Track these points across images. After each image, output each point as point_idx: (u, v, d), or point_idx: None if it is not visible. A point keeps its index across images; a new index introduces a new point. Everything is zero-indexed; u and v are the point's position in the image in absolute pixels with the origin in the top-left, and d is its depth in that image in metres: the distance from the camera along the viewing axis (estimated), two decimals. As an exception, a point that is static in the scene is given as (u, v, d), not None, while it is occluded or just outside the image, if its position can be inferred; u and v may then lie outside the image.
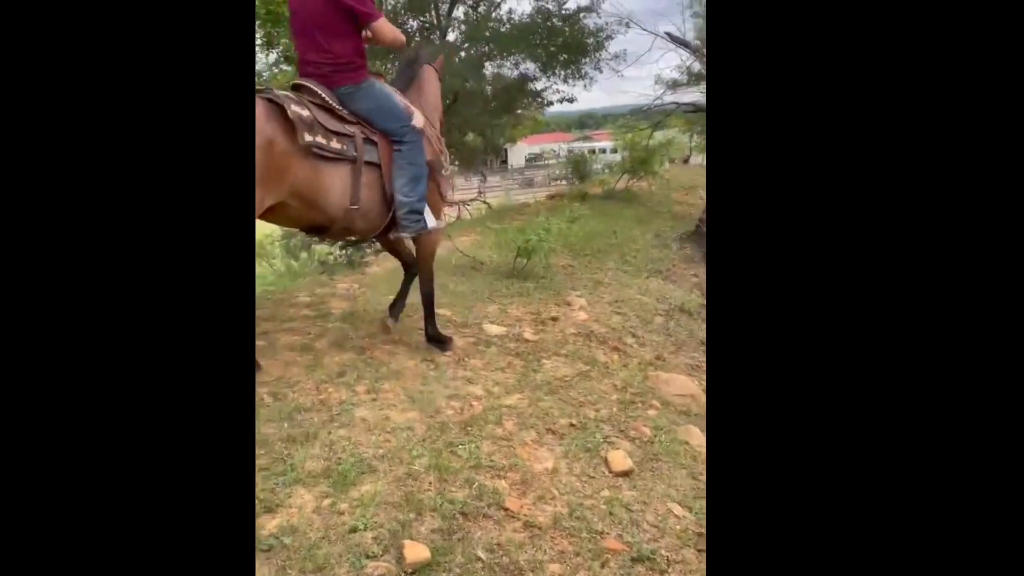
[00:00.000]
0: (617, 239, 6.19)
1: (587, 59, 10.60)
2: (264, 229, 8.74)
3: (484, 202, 10.30)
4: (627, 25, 10.10)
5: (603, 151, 18.61)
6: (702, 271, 6.03)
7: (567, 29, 10.32)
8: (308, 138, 2.36)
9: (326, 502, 1.81)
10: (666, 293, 4.76)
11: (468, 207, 10.18)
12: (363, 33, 2.66)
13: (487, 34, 10.19)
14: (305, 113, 2.38)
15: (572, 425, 2.45)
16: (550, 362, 3.04)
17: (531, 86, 11.15)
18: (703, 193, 8.97)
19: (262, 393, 2.45)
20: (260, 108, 2.28)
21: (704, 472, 2.28)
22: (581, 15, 10.48)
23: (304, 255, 9.13)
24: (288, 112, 2.31)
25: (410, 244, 3.25)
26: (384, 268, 4.99)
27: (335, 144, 2.47)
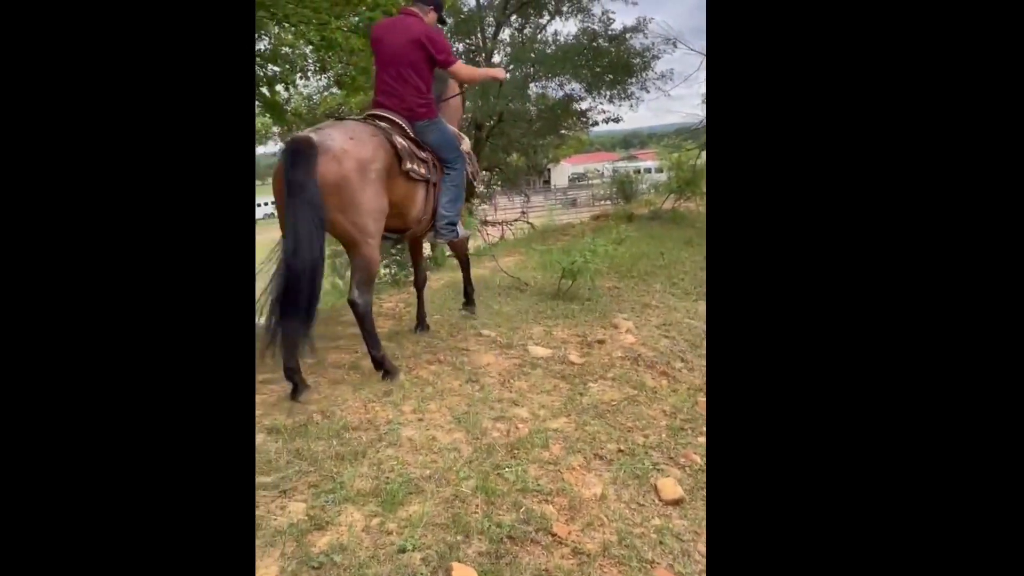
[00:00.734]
0: (664, 261, 6.11)
1: (633, 79, 10.61)
2: (313, 247, 8.94)
3: (527, 222, 10.34)
4: (674, 45, 10.07)
5: (648, 171, 18.48)
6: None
7: (613, 50, 10.37)
8: (408, 165, 2.89)
9: (375, 521, 1.81)
10: (714, 316, 4.67)
11: (511, 227, 10.23)
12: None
13: (532, 55, 10.31)
14: (405, 144, 2.90)
15: (620, 451, 2.41)
16: (597, 385, 3.00)
17: (576, 106, 11.20)
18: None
19: (311, 411, 2.49)
20: (376, 139, 2.77)
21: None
22: (627, 35, 10.51)
23: (348, 275, 9.29)
24: (396, 144, 2.83)
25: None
26: (429, 288, 5.04)
27: (422, 170, 3.00)
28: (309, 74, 6.88)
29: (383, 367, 2.88)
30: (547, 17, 11.40)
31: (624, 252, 5.38)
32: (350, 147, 2.61)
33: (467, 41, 11.30)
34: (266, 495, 1.90)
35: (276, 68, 6.11)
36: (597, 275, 4.74)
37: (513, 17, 11.24)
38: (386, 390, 2.73)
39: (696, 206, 9.38)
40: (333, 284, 9.29)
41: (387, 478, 2.04)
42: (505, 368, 3.12)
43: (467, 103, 3.71)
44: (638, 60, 10.42)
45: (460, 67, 3.18)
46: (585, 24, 10.81)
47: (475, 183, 3.54)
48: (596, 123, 11.59)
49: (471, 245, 4.19)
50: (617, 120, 11.49)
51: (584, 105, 11.26)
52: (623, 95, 10.77)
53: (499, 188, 12.88)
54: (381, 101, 3.07)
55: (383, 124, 2.90)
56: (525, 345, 3.45)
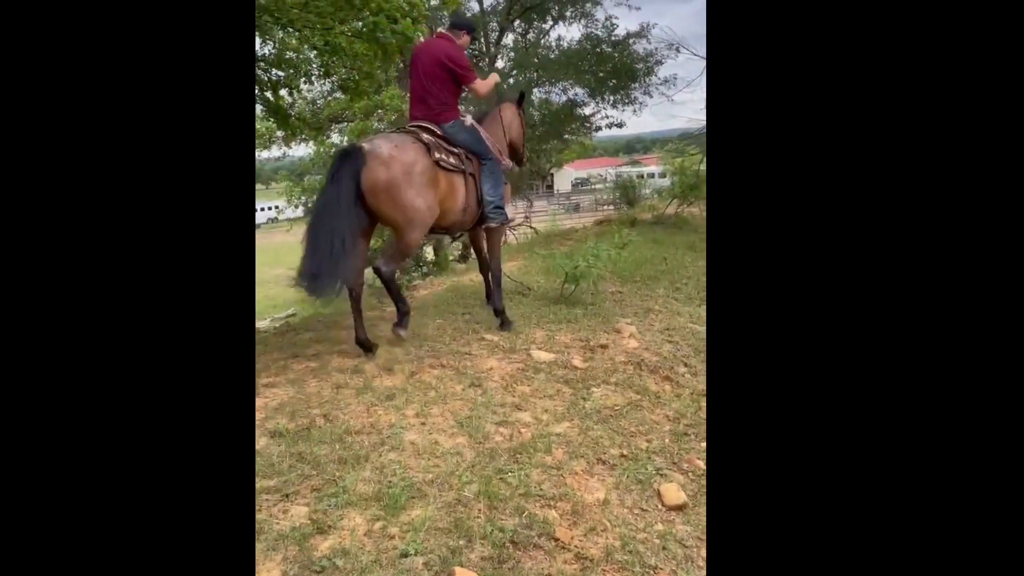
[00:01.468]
0: (667, 266, 6.10)
1: (636, 84, 10.62)
2: (317, 251, 8.97)
3: (531, 227, 10.34)
4: (677, 50, 10.08)
5: (652, 176, 18.49)
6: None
7: (616, 55, 10.38)
8: (436, 155, 3.35)
9: (377, 525, 1.81)
10: (718, 321, 4.65)
11: (514, 232, 10.23)
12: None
13: (535, 60, 10.33)
14: (432, 139, 3.40)
15: (623, 456, 2.40)
16: (599, 390, 2.99)
17: (579, 111, 11.21)
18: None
19: (314, 415, 2.49)
20: (416, 145, 3.30)
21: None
22: (631, 41, 10.53)
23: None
24: (425, 141, 3.35)
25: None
26: (432, 292, 5.05)
27: (452, 159, 3.47)
28: (313, 78, 6.89)
29: (402, 322, 3.45)
30: (550, 22, 11.44)
31: (627, 257, 5.37)
32: (396, 153, 3.17)
33: (471, 47, 11.34)
34: (268, 499, 1.90)
35: (280, 72, 6.13)
36: (600, 280, 4.73)
37: (516, 22, 11.27)
38: (388, 394, 2.73)
39: (699, 211, 9.37)
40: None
41: (389, 482, 2.03)
42: (508, 372, 3.11)
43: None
44: (641, 65, 10.43)
45: (477, 84, 3.70)
46: (588, 29, 10.84)
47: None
48: (599, 128, 11.61)
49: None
50: (620, 125, 11.50)
51: (587, 110, 11.28)
52: (626, 100, 10.78)
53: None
54: (413, 112, 3.66)
55: (414, 128, 3.46)
56: (528, 349, 3.45)
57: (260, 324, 7.45)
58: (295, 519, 1.81)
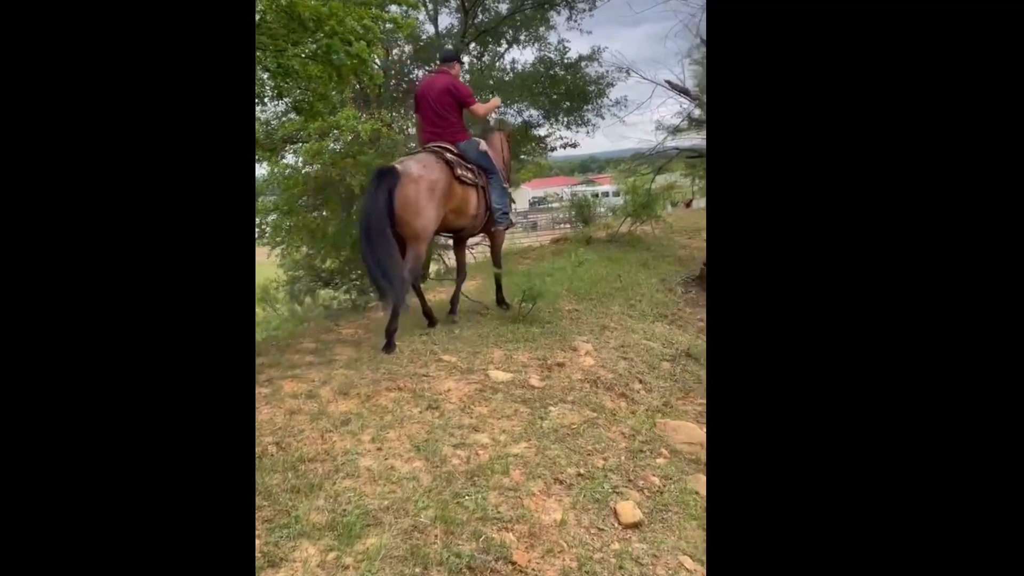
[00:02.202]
0: (622, 283, 6.20)
1: (589, 106, 10.82)
2: (267, 274, 8.80)
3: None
4: (627, 73, 10.33)
5: (607, 195, 18.80)
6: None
7: (569, 77, 10.57)
8: (459, 172, 4.06)
9: (331, 556, 1.77)
10: (672, 338, 4.74)
11: (472, 251, 10.25)
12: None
13: (491, 82, 10.44)
14: (453, 158, 4.08)
15: (580, 475, 2.42)
16: (557, 409, 3.01)
17: (534, 132, 11.35)
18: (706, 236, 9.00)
19: (266, 443, 2.43)
20: (441, 163, 3.99)
21: (715, 524, 2.24)
22: (582, 64, 10.75)
23: (308, 300, 9.14)
24: (448, 160, 4.05)
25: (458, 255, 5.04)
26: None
27: (469, 175, 4.15)
28: (266, 100, 6.81)
29: (430, 320, 4.26)
30: (505, 45, 11.59)
31: (583, 275, 5.44)
32: (424, 173, 3.83)
33: (426, 68, 11.39)
34: (217, 532, 1.85)
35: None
36: (557, 298, 4.78)
37: (472, 45, 11.39)
38: (343, 419, 2.69)
39: (651, 229, 9.56)
40: (292, 311, 9.12)
41: (344, 510, 2.00)
42: (466, 393, 3.11)
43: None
44: (593, 88, 10.65)
45: (477, 106, 4.39)
46: (542, 53, 11.01)
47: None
48: (554, 148, 11.76)
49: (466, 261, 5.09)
50: (575, 146, 11.67)
51: (542, 131, 11.42)
52: (580, 121, 10.96)
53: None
54: (428, 135, 4.28)
55: (436, 149, 4.08)
56: (486, 370, 3.45)
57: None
58: (245, 552, 1.76)
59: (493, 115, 5.17)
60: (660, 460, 2.66)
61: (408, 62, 11.00)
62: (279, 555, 1.75)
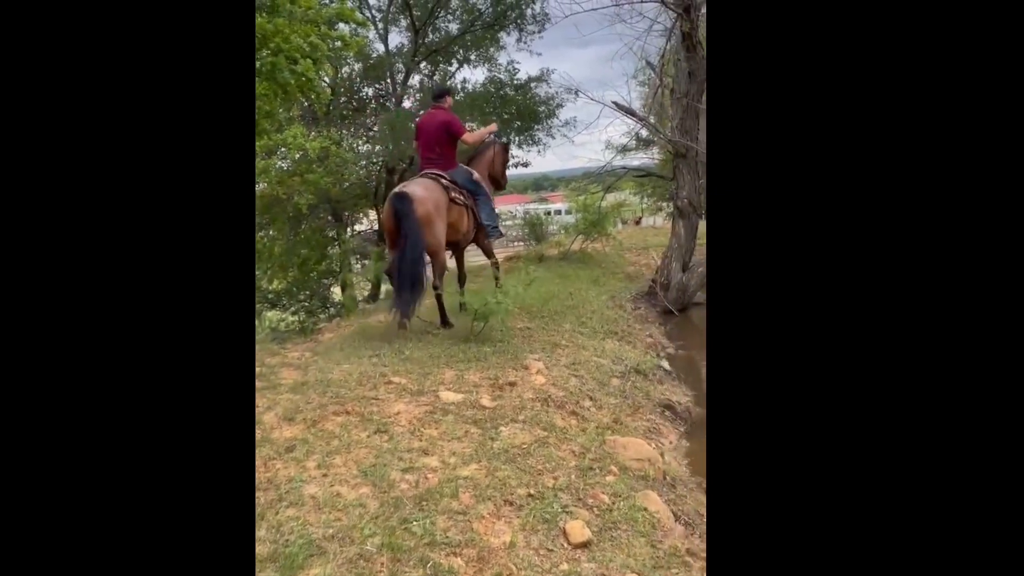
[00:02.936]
0: (573, 300, 6.26)
1: (539, 126, 10.99)
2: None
3: (441, 264, 10.34)
4: (576, 94, 10.53)
5: (559, 212, 19.01)
6: (656, 331, 6.12)
7: (519, 97, 10.72)
8: (453, 194, 4.83)
9: (271, 590, 1.71)
10: (622, 354, 4.80)
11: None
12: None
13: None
14: (448, 183, 4.85)
15: (530, 495, 2.41)
16: (508, 429, 3.00)
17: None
18: (655, 254, 9.21)
19: (206, 472, 2.34)
20: (439, 186, 4.77)
21: (663, 540, 2.26)
22: (532, 84, 10.92)
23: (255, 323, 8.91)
24: (444, 184, 4.83)
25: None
26: (338, 335, 4.92)
27: (460, 197, 4.90)
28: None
29: (445, 323, 4.88)
30: (456, 65, 11.69)
31: (534, 293, 5.47)
32: (428, 194, 4.57)
33: (376, 86, 11.37)
34: (150, 570, 1.76)
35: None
36: (508, 316, 4.78)
37: (423, 64, 11.43)
38: (288, 446, 2.62)
39: (602, 246, 9.71)
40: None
41: (287, 540, 1.94)
42: (416, 416, 3.07)
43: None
44: (543, 108, 10.83)
45: (467, 136, 5.12)
46: (492, 73, 11.16)
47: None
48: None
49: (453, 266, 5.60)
50: (526, 165, 11.84)
51: (493, 151, 11.52)
52: (531, 141, 11.13)
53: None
54: (425, 163, 4.99)
55: (433, 175, 4.84)
56: (437, 391, 3.41)
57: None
58: (180, 590, 1.69)
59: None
60: (610, 478, 2.67)
61: (358, 80, 10.95)
62: (216, 591, 1.68)
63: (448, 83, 11.35)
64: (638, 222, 19.22)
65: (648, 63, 8.93)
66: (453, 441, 2.82)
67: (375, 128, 10.60)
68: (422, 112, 10.84)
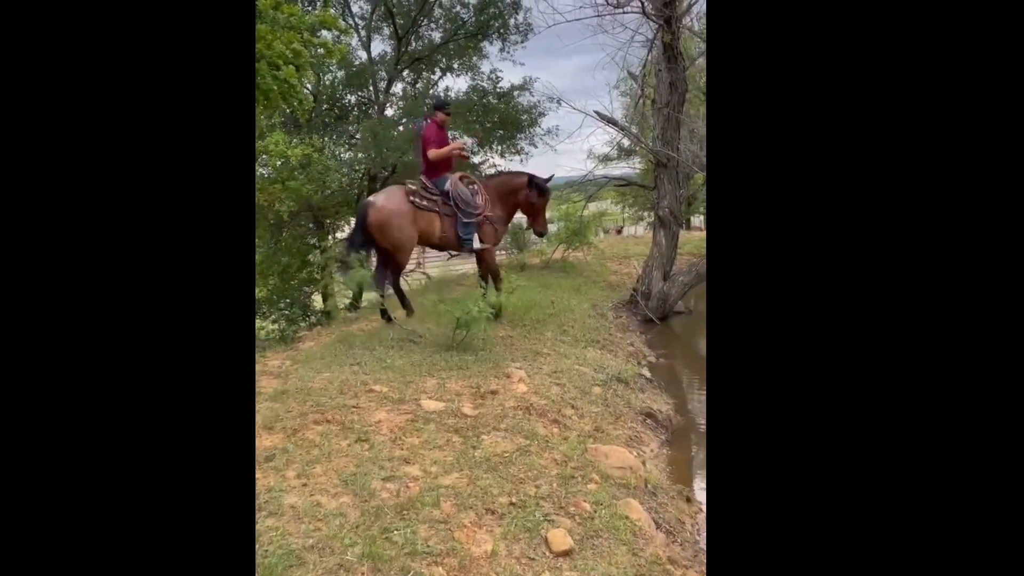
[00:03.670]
0: (555, 309, 6.28)
1: (522, 134, 11.02)
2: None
3: (424, 273, 10.31)
4: (558, 103, 10.66)
5: (540, 221, 19.08)
6: (637, 340, 6.16)
7: (502, 107, 10.75)
8: (412, 198, 5.12)
9: (250, 602, 1.69)
10: (603, 363, 4.82)
11: (407, 279, 10.16)
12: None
13: (424, 109, 10.48)
14: (414, 187, 5.23)
15: (512, 504, 2.41)
16: (489, 438, 3.00)
17: (468, 160, 11.43)
18: (636, 263, 9.27)
19: (183, 482, 2.31)
20: (401, 193, 5.17)
21: (644, 548, 2.27)
22: (515, 93, 10.96)
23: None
24: (407, 189, 5.22)
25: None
26: (319, 344, 4.88)
27: (424, 202, 5.17)
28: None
29: (406, 308, 5.52)
30: (438, 73, 11.71)
31: (516, 301, 5.48)
32: (385, 202, 5.07)
33: (359, 94, 11.34)
34: (125, 582, 1.73)
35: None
36: (490, 325, 4.78)
37: (405, 72, 11.44)
38: (267, 455, 2.59)
39: (584, 255, 9.76)
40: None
41: (266, 551, 1.92)
42: (397, 424, 3.05)
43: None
44: (526, 117, 10.87)
45: (431, 152, 5.26)
46: (475, 81, 11.19)
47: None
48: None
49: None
50: (508, 173, 11.84)
51: (476, 159, 11.53)
52: (513, 149, 11.15)
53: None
54: (423, 171, 5.37)
55: (404, 182, 5.36)
56: (418, 399, 3.40)
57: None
58: (156, 603, 1.66)
59: (471, 141, 6.37)
60: (591, 486, 2.68)
61: (342, 88, 10.92)
62: (193, 604, 1.66)
63: (432, 91, 11.37)
64: (619, 231, 19.35)
65: (630, 73, 9.04)
66: (435, 450, 2.81)
67: (357, 136, 10.57)
68: (404, 120, 10.94)
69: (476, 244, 5.44)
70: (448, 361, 4.16)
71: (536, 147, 11.23)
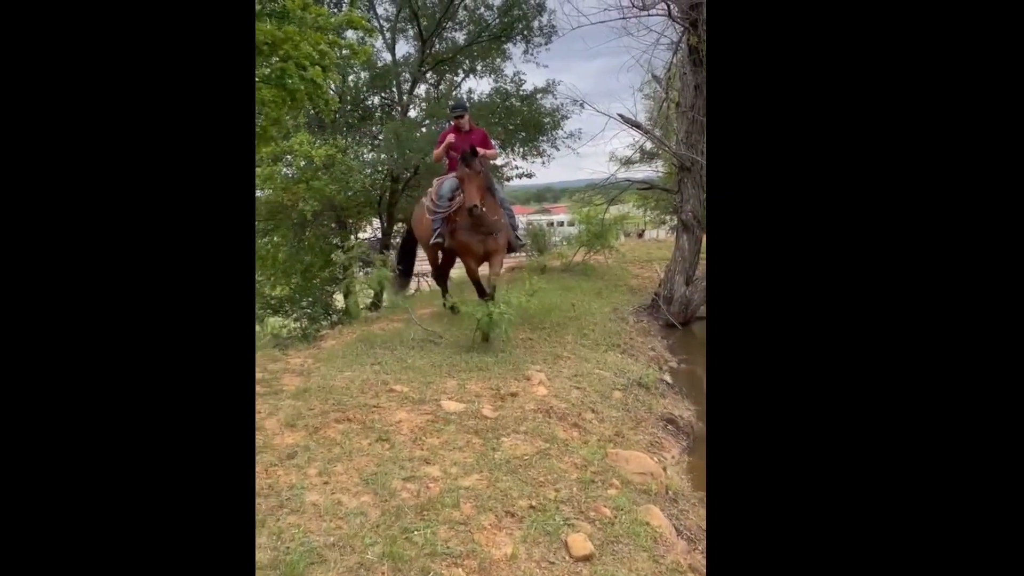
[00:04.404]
0: (575, 312, 6.25)
1: (544, 137, 10.99)
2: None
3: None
4: (581, 106, 10.58)
5: (561, 224, 19.04)
6: (659, 344, 6.11)
7: (525, 109, 10.74)
8: (425, 202, 5.55)
9: (271, 598, 1.70)
10: (624, 367, 4.79)
11: (427, 280, 10.20)
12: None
13: (447, 111, 10.53)
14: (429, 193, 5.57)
15: (532, 507, 2.40)
16: (509, 440, 2.99)
17: (490, 162, 11.44)
18: (658, 267, 9.20)
19: (207, 477, 2.34)
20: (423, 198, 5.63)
21: (665, 555, 2.24)
22: (538, 96, 10.95)
23: (256, 328, 8.90)
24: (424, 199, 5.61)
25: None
26: (341, 342, 4.91)
27: (431, 206, 5.39)
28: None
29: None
30: (462, 75, 11.74)
31: (537, 304, 5.47)
32: (424, 200, 5.63)
33: (382, 95, 11.41)
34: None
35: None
36: (511, 327, 4.77)
37: (428, 74, 11.49)
38: (289, 453, 2.61)
39: (605, 258, 9.71)
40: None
41: (287, 548, 1.93)
42: (417, 424, 3.06)
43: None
44: (548, 119, 10.84)
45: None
46: (498, 84, 11.19)
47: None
48: (510, 178, 11.88)
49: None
50: (530, 176, 11.82)
51: (498, 161, 11.53)
52: (535, 152, 11.13)
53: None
54: None
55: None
56: (438, 400, 3.41)
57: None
58: (180, 596, 1.67)
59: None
60: (612, 491, 2.66)
61: (365, 89, 11.00)
62: (216, 598, 1.67)
63: (455, 93, 11.40)
64: (641, 235, 19.24)
65: (654, 76, 8.99)
66: (454, 451, 2.81)
67: (380, 137, 10.63)
68: (427, 121, 10.99)
69: (436, 239, 5.33)
70: (468, 362, 4.17)
71: (558, 149, 11.19)
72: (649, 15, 7.27)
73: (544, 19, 10.77)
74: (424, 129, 10.13)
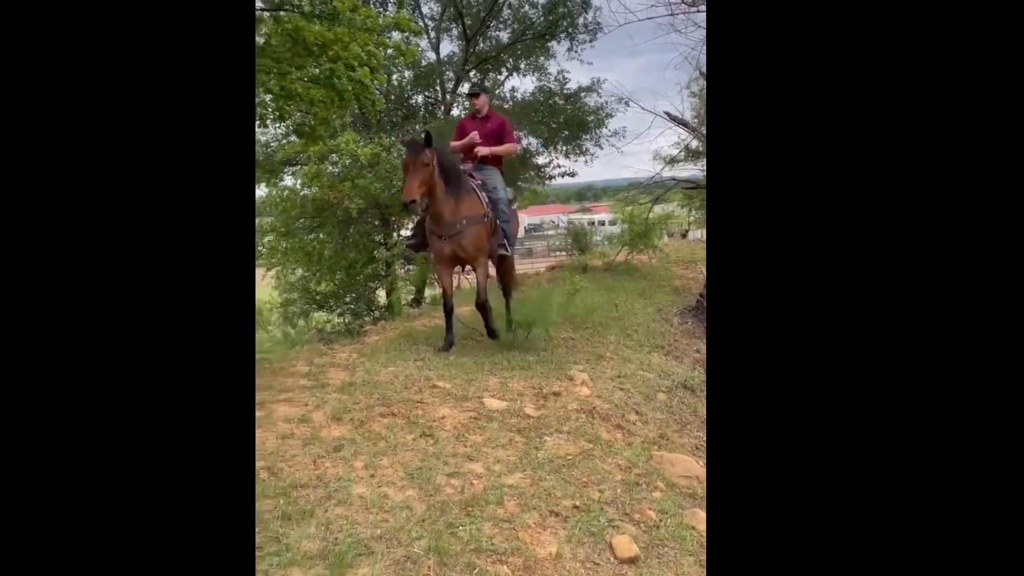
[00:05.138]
0: (618, 312, 6.20)
1: (588, 136, 10.94)
2: (262, 295, 8.76)
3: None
4: (626, 104, 10.50)
5: (602, 223, 18.91)
6: (704, 347, 6.01)
7: (569, 107, 10.70)
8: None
9: (321, 587, 1.73)
10: (668, 369, 4.73)
11: (468, 277, 10.26)
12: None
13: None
14: None
15: (576, 507, 2.38)
16: (552, 439, 2.98)
17: (533, 160, 11.44)
18: (703, 267, 9.06)
19: (258, 467, 2.39)
20: None
21: (713, 560, 2.20)
22: (582, 94, 10.89)
23: (302, 322, 9.09)
24: None
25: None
26: (384, 338, 4.98)
27: None
28: (268, 122, 6.85)
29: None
30: (505, 74, 11.77)
31: (579, 303, 5.44)
32: None
33: (426, 94, 11.53)
34: (205, 560, 1.80)
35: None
36: (552, 326, 4.76)
37: (472, 72, 11.55)
38: (336, 445, 2.65)
39: (648, 258, 9.59)
40: (285, 333, 9.07)
41: (335, 539, 1.96)
42: (460, 421, 3.07)
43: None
44: (592, 118, 10.79)
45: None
46: (542, 82, 11.19)
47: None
48: (552, 177, 11.85)
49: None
50: (573, 174, 11.77)
51: (541, 160, 11.52)
52: (578, 150, 11.09)
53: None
54: None
55: None
56: (481, 397, 3.42)
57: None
58: (233, 582, 1.72)
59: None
60: (656, 494, 2.62)
61: (409, 88, 11.13)
62: (268, 585, 1.71)
63: (498, 91, 11.43)
64: (685, 235, 18.97)
65: (702, 73, 8.82)
66: (498, 448, 2.81)
67: (424, 135, 10.74)
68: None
69: (410, 240, 5.24)
70: (510, 360, 4.17)
71: (602, 148, 11.13)
72: (698, 11, 7.15)
73: (589, 16, 10.72)
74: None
